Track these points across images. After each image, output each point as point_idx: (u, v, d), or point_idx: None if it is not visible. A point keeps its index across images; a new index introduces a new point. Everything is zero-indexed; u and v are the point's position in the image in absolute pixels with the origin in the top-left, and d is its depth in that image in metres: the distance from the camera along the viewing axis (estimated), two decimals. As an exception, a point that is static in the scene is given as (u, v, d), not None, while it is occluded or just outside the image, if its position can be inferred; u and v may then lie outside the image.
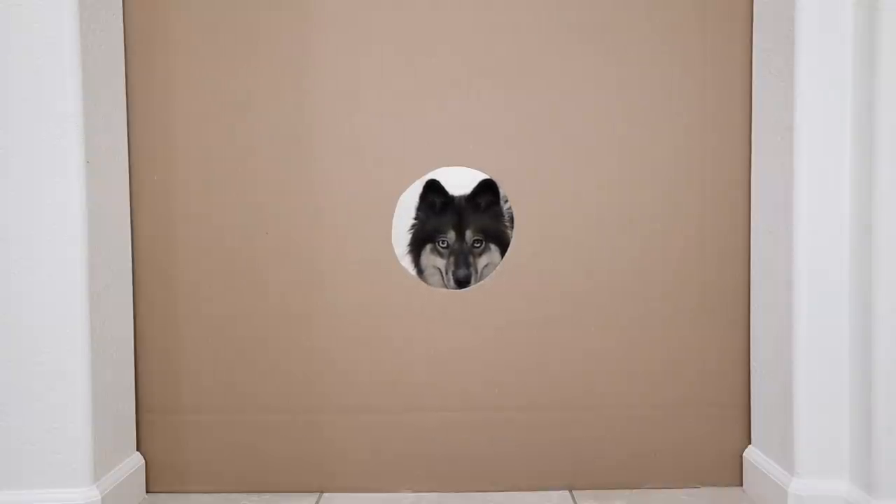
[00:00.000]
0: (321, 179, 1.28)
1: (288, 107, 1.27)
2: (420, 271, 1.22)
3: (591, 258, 1.29)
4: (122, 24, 1.24)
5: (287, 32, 1.27)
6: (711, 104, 1.27)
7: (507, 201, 1.20)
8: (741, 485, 1.30)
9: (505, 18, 1.27)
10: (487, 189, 1.14)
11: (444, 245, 1.13)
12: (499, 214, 1.14)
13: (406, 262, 1.22)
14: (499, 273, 1.29)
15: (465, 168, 1.27)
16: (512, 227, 1.21)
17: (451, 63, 1.28)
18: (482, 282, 1.28)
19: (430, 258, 1.17)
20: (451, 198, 1.13)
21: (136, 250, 1.28)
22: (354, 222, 1.28)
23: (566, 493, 1.29)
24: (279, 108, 1.27)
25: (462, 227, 1.10)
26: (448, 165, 1.28)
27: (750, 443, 1.30)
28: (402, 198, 1.28)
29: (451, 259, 1.13)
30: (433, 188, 1.21)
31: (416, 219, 1.16)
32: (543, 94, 1.28)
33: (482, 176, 1.24)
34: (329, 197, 1.28)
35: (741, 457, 1.30)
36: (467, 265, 1.08)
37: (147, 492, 1.28)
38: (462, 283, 1.11)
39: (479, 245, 1.12)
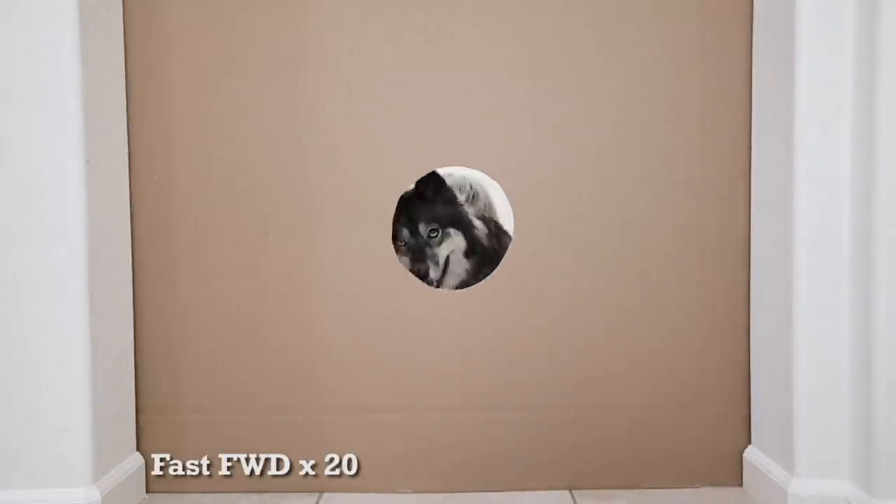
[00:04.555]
0: (321, 179, 1.28)
1: (287, 107, 1.27)
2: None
3: (591, 258, 1.29)
4: (122, 24, 1.24)
5: (286, 32, 1.27)
6: (711, 104, 1.27)
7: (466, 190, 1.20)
8: (741, 485, 1.30)
9: (504, 18, 1.27)
10: (430, 179, 1.13)
11: (404, 244, 1.15)
12: (451, 199, 1.12)
13: None
14: (499, 273, 1.29)
15: (464, 168, 1.28)
16: (472, 204, 1.18)
17: (451, 64, 1.28)
18: (481, 283, 1.28)
19: (401, 259, 1.21)
20: (400, 199, 1.13)
21: (136, 250, 1.28)
22: (354, 222, 1.28)
23: (566, 493, 1.29)
24: (279, 108, 1.27)
25: (413, 223, 1.09)
26: (448, 165, 1.28)
27: (750, 443, 1.30)
28: (402, 197, 1.29)
29: (409, 257, 1.13)
30: None
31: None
32: (543, 93, 1.28)
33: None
34: (329, 197, 1.28)
35: (741, 457, 1.30)
36: (423, 258, 1.07)
37: (147, 492, 1.28)
38: (422, 277, 1.09)
39: (435, 234, 1.10)
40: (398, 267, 1.28)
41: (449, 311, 1.29)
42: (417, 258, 1.07)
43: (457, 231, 1.10)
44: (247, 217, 1.28)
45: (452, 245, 1.09)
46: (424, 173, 1.27)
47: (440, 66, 1.28)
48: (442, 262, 1.09)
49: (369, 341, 1.30)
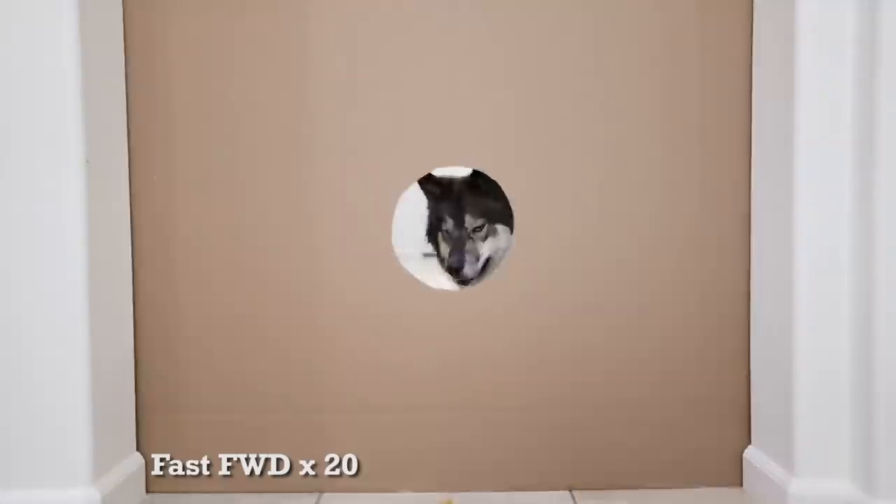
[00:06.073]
0: (321, 179, 1.28)
1: (287, 106, 1.27)
2: (442, 259, 1.21)
3: (591, 258, 1.29)
4: (122, 24, 1.24)
5: (286, 33, 1.27)
6: (711, 104, 1.27)
7: None
8: (741, 485, 1.30)
9: (503, 19, 1.27)
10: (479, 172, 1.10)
11: (447, 233, 1.11)
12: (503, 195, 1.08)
13: (429, 250, 1.23)
14: (498, 273, 1.29)
15: (464, 168, 1.28)
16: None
17: (450, 63, 1.28)
18: (481, 282, 1.28)
19: (442, 246, 1.17)
20: (448, 183, 1.09)
21: (136, 250, 1.28)
22: (355, 222, 1.28)
23: (566, 493, 1.29)
24: (279, 107, 1.27)
25: (460, 213, 1.03)
26: (448, 165, 1.28)
27: (750, 443, 1.30)
28: (402, 197, 1.28)
29: (449, 247, 1.08)
30: (427, 179, 1.22)
31: (427, 207, 1.15)
32: (543, 94, 1.27)
33: None
34: (329, 197, 1.28)
35: (741, 457, 1.30)
36: (461, 251, 1.00)
37: (147, 492, 1.28)
38: (455, 270, 1.03)
39: (480, 229, 1.05)
40: (399, 267, 1.28)
41: (449, 311, 1.29)
42: (455, 250, 1.00)
43: (506, 228, 1.03)
44: (247, 217, 1.28)
45: (496, 243, 1.03)
46: (424, 173, 1.27)
47: (440, 66, 1.28)
48: (483, 257, 1.02)
49: (369, 341, 1.29)
